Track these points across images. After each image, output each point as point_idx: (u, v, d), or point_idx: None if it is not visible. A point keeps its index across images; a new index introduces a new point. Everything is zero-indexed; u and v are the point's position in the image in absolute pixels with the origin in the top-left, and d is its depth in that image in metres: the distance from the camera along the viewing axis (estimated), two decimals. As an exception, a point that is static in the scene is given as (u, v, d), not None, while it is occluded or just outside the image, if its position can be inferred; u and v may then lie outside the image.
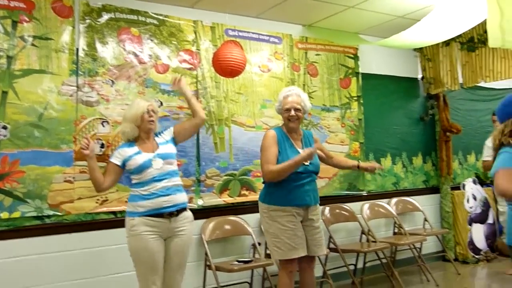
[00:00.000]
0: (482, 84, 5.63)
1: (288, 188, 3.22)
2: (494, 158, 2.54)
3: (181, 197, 3.05)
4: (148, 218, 2.90)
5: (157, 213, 2.92)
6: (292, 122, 3.33)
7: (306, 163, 3.25)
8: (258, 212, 3.44)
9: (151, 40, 3.98)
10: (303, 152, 3.15)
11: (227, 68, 3.70)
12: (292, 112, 3.30)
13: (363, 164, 3.70)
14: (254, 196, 4.28)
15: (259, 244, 4.18)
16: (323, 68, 4.97)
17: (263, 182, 3.39)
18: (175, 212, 2.98)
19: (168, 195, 2.96)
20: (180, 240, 3.01)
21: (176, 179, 3.06)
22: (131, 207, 2.97)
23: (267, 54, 4.62)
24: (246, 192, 4.34)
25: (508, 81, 6.11)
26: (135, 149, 3.04)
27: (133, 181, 3.02)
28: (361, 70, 5.24)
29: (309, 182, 3.29)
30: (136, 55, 3.89)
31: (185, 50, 4.15)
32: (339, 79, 5.06)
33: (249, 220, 4.26)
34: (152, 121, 3.08)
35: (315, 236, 3.33)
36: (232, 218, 4.22)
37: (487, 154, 4.81)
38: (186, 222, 3.04)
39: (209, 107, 4.22)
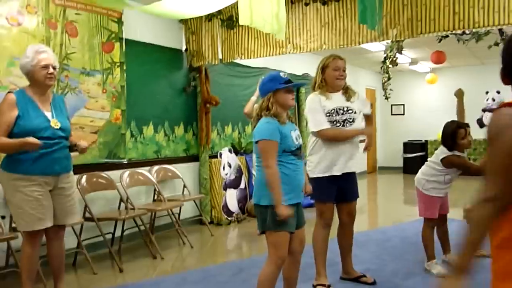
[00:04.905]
0: (240, 61, 6.10)
1: (34, 155, 2.99)
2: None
3: None
4: None
5: None
6: (50, 80, 3.09)
7: (56, 127, 3.08)
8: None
9: None
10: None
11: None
12: (51, 70, 3.08)
13: None
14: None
15: (3, 217, 3.77)
16: (83, 29, 4.67)
17: None
18: None
19: None
20: None
21: None
22: None
23: (18, 6, 4.10)
24: (-13, 160, 3.84)
25: (262, 60, 6.78)
26: None
27: None
28: (125, 35, 5.09)
29: (59, 149, 3.11)
30: None
31: None
32: (101, 42, 4.83)
33: (-9, 192, 3.80)
34: None
35: (66, 205, 3.21)
36: (-32, 189, 3.70)
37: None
38: None
39: None
